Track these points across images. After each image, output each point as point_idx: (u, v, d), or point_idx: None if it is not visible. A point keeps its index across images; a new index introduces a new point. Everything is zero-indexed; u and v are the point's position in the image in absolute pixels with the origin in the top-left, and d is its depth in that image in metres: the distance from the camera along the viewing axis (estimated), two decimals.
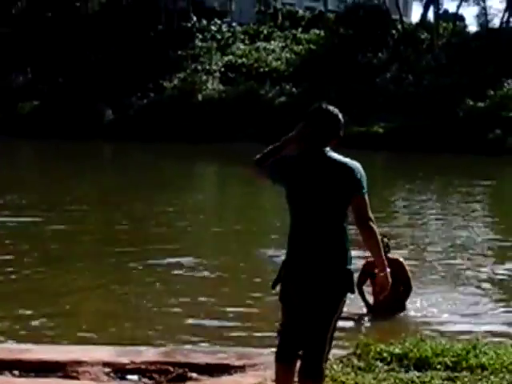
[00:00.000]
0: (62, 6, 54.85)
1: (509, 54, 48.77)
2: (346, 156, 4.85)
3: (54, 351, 6.40)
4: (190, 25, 57.04)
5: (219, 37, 56.90)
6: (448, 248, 14.63)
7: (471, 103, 44.43)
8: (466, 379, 5.81)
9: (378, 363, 6.08)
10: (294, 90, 49.05)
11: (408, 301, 9.78)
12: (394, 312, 9.54)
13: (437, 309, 10.00)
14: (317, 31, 58.82)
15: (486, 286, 11.48)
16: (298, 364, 4.87)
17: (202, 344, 8.27)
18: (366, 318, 9.51)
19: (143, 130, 45.62)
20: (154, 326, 9.09)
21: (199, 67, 52.09)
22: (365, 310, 9.59)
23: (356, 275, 7.90)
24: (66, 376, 5.85)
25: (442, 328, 9.15)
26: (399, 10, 57.05)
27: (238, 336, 8.71)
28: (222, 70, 52.43)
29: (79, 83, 50.93)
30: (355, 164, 4.79)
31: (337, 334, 4.96)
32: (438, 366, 6.01)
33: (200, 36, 56.54)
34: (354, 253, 4.89)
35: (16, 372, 5.88)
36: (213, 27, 57.61)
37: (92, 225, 17.15)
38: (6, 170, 27.64)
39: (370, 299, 9.47)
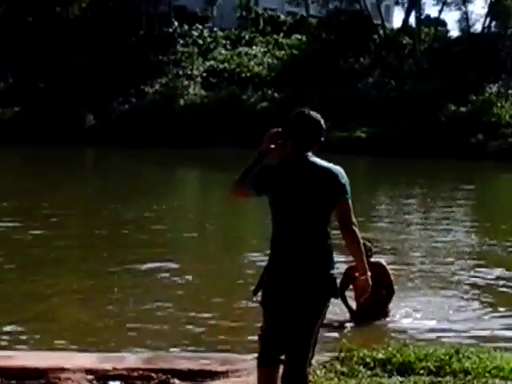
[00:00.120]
0: (42, 10, 54.60)
1: (490, 58, 49.14)
2: (329, 161, 4.85)
3: (35, 358, 6.35)
4: (171, 30, 57.09)
5: (201, 42, 56.97)
6: (431, 252, 14.64)
7: (453, 108, 44.71)
8: None
9: (361, 368, 6.08)
10: (276, 95, 49.16)
11: (391, 305, 9.74)
12: (377, 317, 9.51)
13: (420, 313, 9.97)
14: (299, 36, 58.99)
15: (470, 290, 11.47)
16: (281, 370, 4.83)
17: (185, 350, 8.20)
18: (349, 323, 9.47)
19: (125, 135, 45.57)
20: (135, 332, 9.02)
21: (181, 72, 52.12)
22: (348, 316, 9.55)
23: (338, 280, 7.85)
24: (48, 383, 5.81)
25: (425, 333, 9.13)
26: (381, 15, 57.30)
27: (220, 341, 8.65)
28: (204, 75, 52.46)
29: (60, 88, 50.84)
30: (338, 169, 4.80)
31: (320, 338, 4.93)
32: (422, 371, 6.02)
33: (181, 41, 56.62)
34: (336, 257, 4.86)
35: None
36: (194, 32, 57.68)
37: (72, 230, 17.03)
38: None
39: (353, 304, 9.43)
